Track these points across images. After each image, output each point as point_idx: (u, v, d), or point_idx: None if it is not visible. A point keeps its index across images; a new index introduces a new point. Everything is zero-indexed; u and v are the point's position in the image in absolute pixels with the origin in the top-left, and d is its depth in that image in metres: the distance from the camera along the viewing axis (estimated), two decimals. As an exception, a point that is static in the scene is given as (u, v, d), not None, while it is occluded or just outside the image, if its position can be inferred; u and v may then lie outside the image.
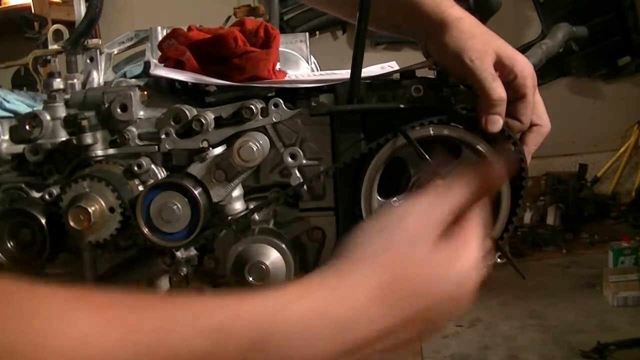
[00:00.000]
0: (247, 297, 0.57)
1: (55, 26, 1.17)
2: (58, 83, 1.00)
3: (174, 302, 0.56)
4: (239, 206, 0.97)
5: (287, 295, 0.58)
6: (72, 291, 0.52)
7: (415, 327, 0.62)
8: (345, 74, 0.96)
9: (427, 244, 0.63)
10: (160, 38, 1.12)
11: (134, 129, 0.97)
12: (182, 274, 0.99)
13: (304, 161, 0.96)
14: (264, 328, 0.55)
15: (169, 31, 1.08)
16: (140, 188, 0.96)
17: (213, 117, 0.96)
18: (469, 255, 0.65)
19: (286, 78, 1.06)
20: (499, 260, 0.94)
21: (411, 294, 0.61)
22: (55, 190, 0.96)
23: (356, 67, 0.91)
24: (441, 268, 0.63)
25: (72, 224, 0.91)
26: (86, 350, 0.48)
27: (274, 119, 0.96)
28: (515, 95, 0.92)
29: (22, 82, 3.31)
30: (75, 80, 1.07)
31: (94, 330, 0.49)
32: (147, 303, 0.55)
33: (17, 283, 0.51)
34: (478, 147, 0.91)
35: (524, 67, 0.92)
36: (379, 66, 1.11)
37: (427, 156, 0.91)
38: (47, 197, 0.96)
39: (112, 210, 0.93)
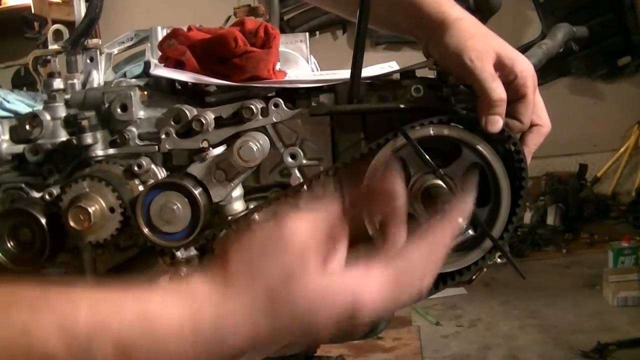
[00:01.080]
0: (121, 297, 0.57)
1: (55, 26, 1.17)
2: (58, 83, 1.00)
3: (45, 298, 0.56)
4: (239, 206, 0.97)
5: (162, 301, 0.58)
6: None
7: (290, 336, 0.61)
8: (345, 74, 0.96)
9: (311, 264, 0.60)
10: (160, 38, 1.12)
11: (134, 129, 0.97)
12: (182, 274, 0.99)
13: (304, 161, 0.96)
14: (131, 339, 0.55)
15: (169, 31, 1.08)
16: (140, 188, 0.96)
17: (213, 117, 0.96)
18: (353, 288, 0.61)
19: (286, 78, 1.06)
20: (499, 260, 0.94)
21: (289, 309, 0.59)
22: (55, 190, 0.96)
23: (356, 67, 0.91)
24: (323, 292, 0.60)
25: (72, 224, 0.91)
26: None
27: (274, 119, 0.96)
28: (516, 95, 0.91)
29: (22, 82, 3.32)
30: (75, 80, 1.07)
31: None
32: (18, 298, 0.56)
33: None
34: (478, 147, 0.91)
35: (524, 67, 0.91)
36: (379, 66, 1.11)
37: (427, 156, 0.91)
38: (47, 197, 0.96)
39: (112, 210, 0.93)
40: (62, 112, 0.99)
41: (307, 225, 0.62)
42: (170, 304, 0.58)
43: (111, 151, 0.98)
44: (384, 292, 0.61)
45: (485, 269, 0.95)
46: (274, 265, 0.60)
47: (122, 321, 0.56)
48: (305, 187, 0.96)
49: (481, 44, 0.91)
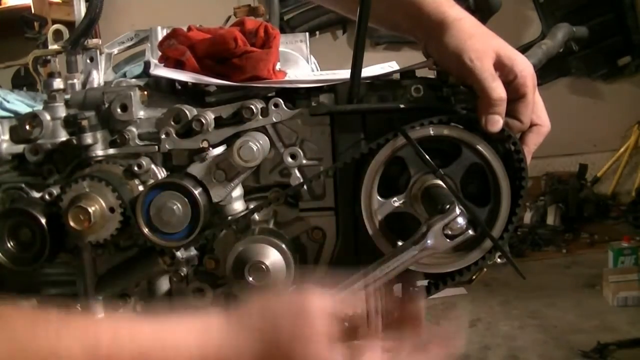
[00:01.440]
0: (139, 325, 0.65)
1: (55, 26, 1.17)
2: (58, 83, 1.00)
3: (68, 324, 0.62)
4: (239, 206, 0.97)
5: (177, 332, 0.65)
6: None
7: None
8: (345, 74, 0.96)
9: (319, 336, 0.66)
10: (160, 38, 1.12)
11: (134, 129, 0.97)
12: (182, 274, 0.99)
13: (304, 161, 0.96)
14: None
15: (169, 31, 1.08)
16: (140, 188, 0.96)
17: (213, 117, 0.96)
18: None
19: (286, 78, 1.06)
20: (499, 260, 0.94)
21: None
22: (55, 190, 0.96)
23: (356, 67, 0.91)
24: None
25: (72, 224, 0.91)
26: None
27: (274, 119, 0.96)
28: (515, 95, 0.91)
29: (22, 82, 3.32)
30: (75, 80, 1.07)
31: None
32: (43, 322, 0.62)
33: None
34: (478, 147, 0.91)
35: (524, 67, 0.92)
36: (379, 66, 1.11)
37: (427, 156, 0.91)
38: (47, 197, 0.96)
39: (112, 210, 0.93)
40: (62, 112, 0.99)
41: (331, 305, 0.68)
42: (185, 337, 0.64)
43: (111, 151, 0.98)
44: None
45: (485, 269, 0.95)
46: (286, 324, 0.66)
47: (140, 347, 0.62)
48: (305, 186, 0.96)
49: (481, 44, 0.91)
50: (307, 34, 1.28)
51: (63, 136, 0.99)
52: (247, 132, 0.95)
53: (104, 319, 0.67)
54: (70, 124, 0.98)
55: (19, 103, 1.13)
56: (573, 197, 4.44)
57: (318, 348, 0.65)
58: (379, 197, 0.94)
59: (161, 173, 0.98)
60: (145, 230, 0.93)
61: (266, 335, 0.65)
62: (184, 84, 1.04)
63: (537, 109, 0.95)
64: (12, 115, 1.07)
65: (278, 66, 1.05)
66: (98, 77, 1.12)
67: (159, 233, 0.94)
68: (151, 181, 0.96)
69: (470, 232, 0.86)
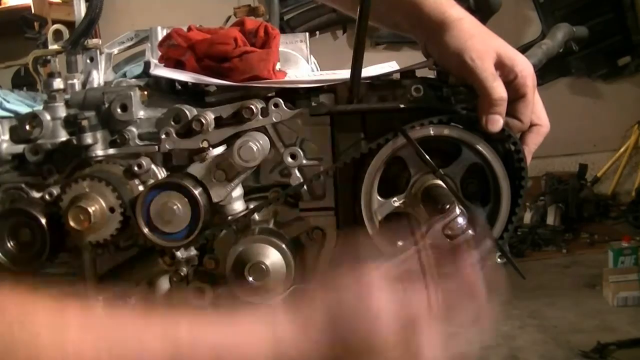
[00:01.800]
0: (215, 318, 0.69)
1: (55, 26, 1.17)
2: (58, 83, 1.00)
3: (146, 316, 0.66)
4: (239, 206, 0.97)
5: (250, 326, 0.69)
6: (56, 302, 0.63)
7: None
8: (345, 74, 0.96)
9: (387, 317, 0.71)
10: (160, 38, 1.13)
11: (134, 129, 0.97)
12: (182, 274, 0.99)
13: (304, 161, 0.96)
14: (223, 351, 0.66)
15: (169, 31, 1.08)
16: (141, 188, 0.96)
17: (213, 117, 0.96)
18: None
19: (286, 78, 1.06)
20: (499, 260, 0.94)
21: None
22: (55, 190, 0.96)
23: (356, 67, 0.91)
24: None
25: (72, 224, 0.91)
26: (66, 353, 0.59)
27: (274, 119, 0.95)
28: (515, 95, 0.92)
29: (22, 82, 3.32)
30: (75, 80, 1.07)
31: (74, 336, 0.60)
32: (123, 317, 0.67)
33: (9, 293, 0.61)
34: (478, 147, 0.91)
35: (524, 67, 0.92)
36: (379, 66, 1.11)
37: (427, 156, 0.91)
38: (47, 197, 0.96)
39: (112, 210, 0.93)
40: (62, 112, 0.99)
41: (385, 287, 0.72)
42: (256, 332, 0.69)
43: (111, 151, 0.97)
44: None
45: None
46: (351, 309, 0.70)
47: (217, 336, 0.67)
48: (305, 186, 0.96)
49: (481, 44, 0.91)
50: (307, 34, 1.28)
51: (63, 136, 0.99)
52: (247, 132, 0.95)
53: (181, 317, 0.68)
54: (70, 124, 0.98)
55: (19, 103, 1.13)
56: (573, 197, 4.44)
57: (385, 328, 0.70)
58: (379, 197, 0.94)
59: (161, 173, 0.98)
60: (146, 230, 0.93)
61: (334, 327, 0.69)
62: (184, 84, 1.04)
63: (537, 109, 0.95)
64: (12, 115, 1.07)
65: (278, 66, 1.05)
66: (98, 77, 1.12)
67: (159, 233, 0.93)
68: (151, 181, 0.96)
69: (471, 232, 0.86)
